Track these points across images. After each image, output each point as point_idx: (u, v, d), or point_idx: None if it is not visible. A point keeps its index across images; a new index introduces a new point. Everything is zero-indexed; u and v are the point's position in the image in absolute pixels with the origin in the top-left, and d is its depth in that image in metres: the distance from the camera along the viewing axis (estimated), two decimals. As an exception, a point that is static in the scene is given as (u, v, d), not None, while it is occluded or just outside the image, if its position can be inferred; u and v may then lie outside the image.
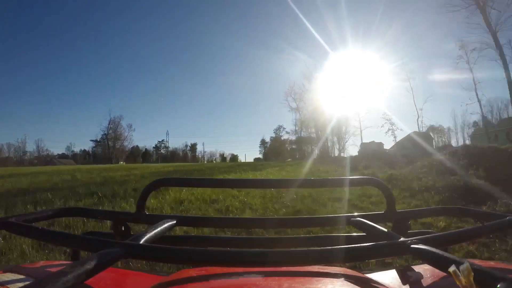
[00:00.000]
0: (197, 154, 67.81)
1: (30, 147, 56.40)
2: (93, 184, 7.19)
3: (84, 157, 60.51)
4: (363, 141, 37.34)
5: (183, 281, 0.47)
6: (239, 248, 0.56)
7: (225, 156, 69.25)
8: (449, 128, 51.76)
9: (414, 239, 0.38)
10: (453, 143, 45.54)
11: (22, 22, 62.51)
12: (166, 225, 0.51)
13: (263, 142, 64.55)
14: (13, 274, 0.49)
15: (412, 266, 0.52)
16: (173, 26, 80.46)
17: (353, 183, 0.69)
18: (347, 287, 0.44)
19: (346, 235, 0.57)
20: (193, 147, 67.93)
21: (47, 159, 53.47)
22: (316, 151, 36.89)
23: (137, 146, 63.05)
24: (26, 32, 64.32)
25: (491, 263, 0.68)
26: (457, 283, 0.27)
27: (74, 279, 0.28)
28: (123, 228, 0.54)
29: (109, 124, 56.00)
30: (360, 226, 0.54)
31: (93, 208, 0.67)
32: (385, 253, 0.39)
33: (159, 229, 0.47)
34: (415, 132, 30.69)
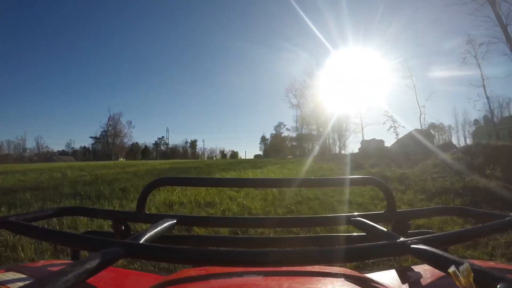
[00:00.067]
0: (197, 150, 67.51)
1: (30, 144, 56.12)
2: (81, 183, 6.71)
3: (84, 154, 60.20)
4: (364, 138, 36.97)
5: (183, 281, 0.47)
6: (239, 248, 0.57)
7: (225, 153, 69.00)
8: (449, 126, 51.40)
9: (414, 239, 0.38)
10: (454, 141, 45.24)
11: (22, 20, 61.97)
12: (166, 224, 0.50)
13: (263, 139, 64.17)
14: (14, 273, 0.49)
15: (412, 266, 0.53)
16: (173, 24, 79.84)
17: (353, 182, 0.68)
18: (347, 287, 0.44)
19: (346, 235, 0.58)
20: (193, 143, 67.54)
21: (47, 156, 53.24)
22: (317, 148, 36.52)
23: (136, 143, 62.76)
24: (25, 29, 63.86)
25: (491, 263, 0.67)
26: (457, 283, 0.27)
27: (75, 279, 0.27)
28: (123, 228, 0.54)
29: (108, 121, 55.76)
30: (360, 226, 0.54)
31: (93, 208, 0.68)
32: (385, 253, 0.38)
33: (159, 228, 0.47)
34: (416, 130, 30.19)
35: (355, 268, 0.57)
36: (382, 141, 36.59)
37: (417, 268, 0.51)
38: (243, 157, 58.70)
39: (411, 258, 0.47)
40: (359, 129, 38.71)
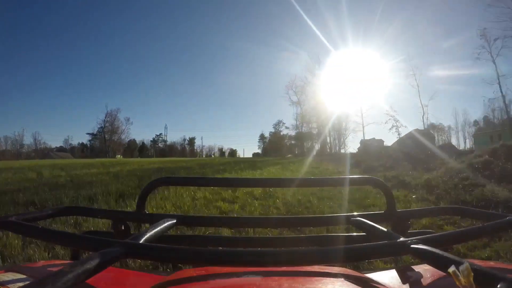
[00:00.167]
0: (195, 148, 66.90)
1: (28, 140, 55.38)
2: (49, 185, 6.00)
3: (82, 150, 59.67)
4: (364, 138, 36.33)
5: (183, 281, 0.47)
6: (239, 248, 0.57)
7: (223, 150, 68.42)
8: (449, 127, 50.75)
9: (414, 239, 0.38)
10: (454, 142, 44.64)
11: (21, 17, 61.08)
12: (166, 224, 0.51)
13: (262, 137, 63.73)
14: (13, 274, 0.48)
15: (412, 266, 0.53)
16: (172, 23, 78.88)
17: (352, 182, 0.69)
18: (347, 287, 0.44)
19: (346, 235, 0.58)
20: (192, 141, 66.94)
21: (44, 152, 52.69)
22: (317, 147, 35.89)
23: (134, 139, 62.10)
24: (24, 26, 63.07)
25: (491, 263, 0.67)
26: (457, 283, 0.27)
27: (74, 279, 0.28)
28: (123, 228, 0.54)
29: (105, 117, 55.04)
30: (360, 226, 0.54)
31: (93, 207, 0.67)
32: (385, 253, 0.39)
33: (159, 228, 0.47)
34: (416, 130, 29.53)
35: (355, 268, 0.55)
36: (381, 141, 36.03)
37: (417, 268, 0.52)
38: (241, 155, 58.34)
39: (410, 258, 0.45)
40: (359, 128, 38.10)
